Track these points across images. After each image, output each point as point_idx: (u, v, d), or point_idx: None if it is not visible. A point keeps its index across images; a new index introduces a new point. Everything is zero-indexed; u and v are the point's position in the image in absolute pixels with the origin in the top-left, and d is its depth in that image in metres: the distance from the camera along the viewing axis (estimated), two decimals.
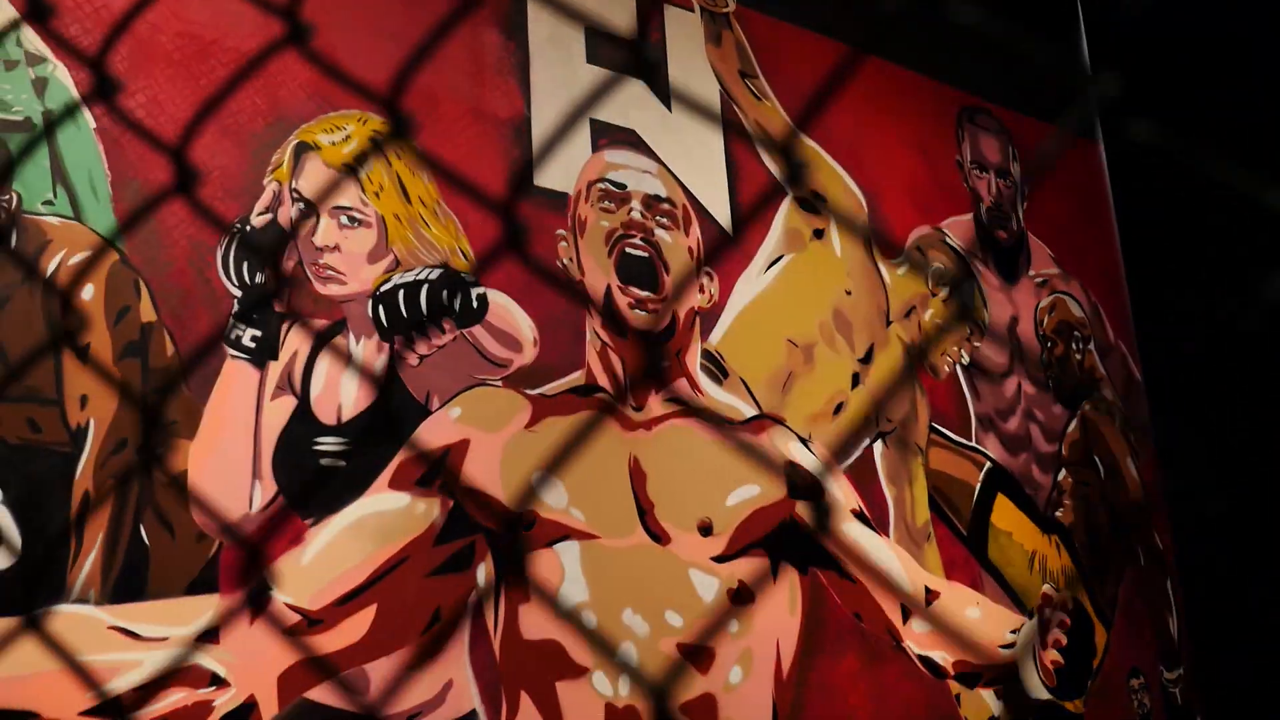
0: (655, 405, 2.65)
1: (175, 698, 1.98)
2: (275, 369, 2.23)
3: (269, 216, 2.28)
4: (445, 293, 2.37)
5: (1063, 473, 3.38)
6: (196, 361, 2.15)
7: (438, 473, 2.34)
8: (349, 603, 2.18)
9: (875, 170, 3.26)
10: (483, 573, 2.33)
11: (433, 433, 2.36)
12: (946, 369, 3.22)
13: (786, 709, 2.63)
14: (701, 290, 2.81)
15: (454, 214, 2.48)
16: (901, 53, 3.43)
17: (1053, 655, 2.92)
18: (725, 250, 2.90)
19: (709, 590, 2.58)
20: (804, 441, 2.85)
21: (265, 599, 2.09)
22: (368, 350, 2.34)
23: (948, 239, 3.35)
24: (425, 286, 2.35)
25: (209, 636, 2.04)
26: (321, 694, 2.11)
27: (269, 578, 2.11)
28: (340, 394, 2.28)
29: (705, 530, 2.61)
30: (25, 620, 1.88)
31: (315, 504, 2.20)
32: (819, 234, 3.07)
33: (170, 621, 2.02)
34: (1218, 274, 3.39)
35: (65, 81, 2.14)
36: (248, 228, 2.25)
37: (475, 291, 2.41)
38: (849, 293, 3.07)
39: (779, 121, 3.11)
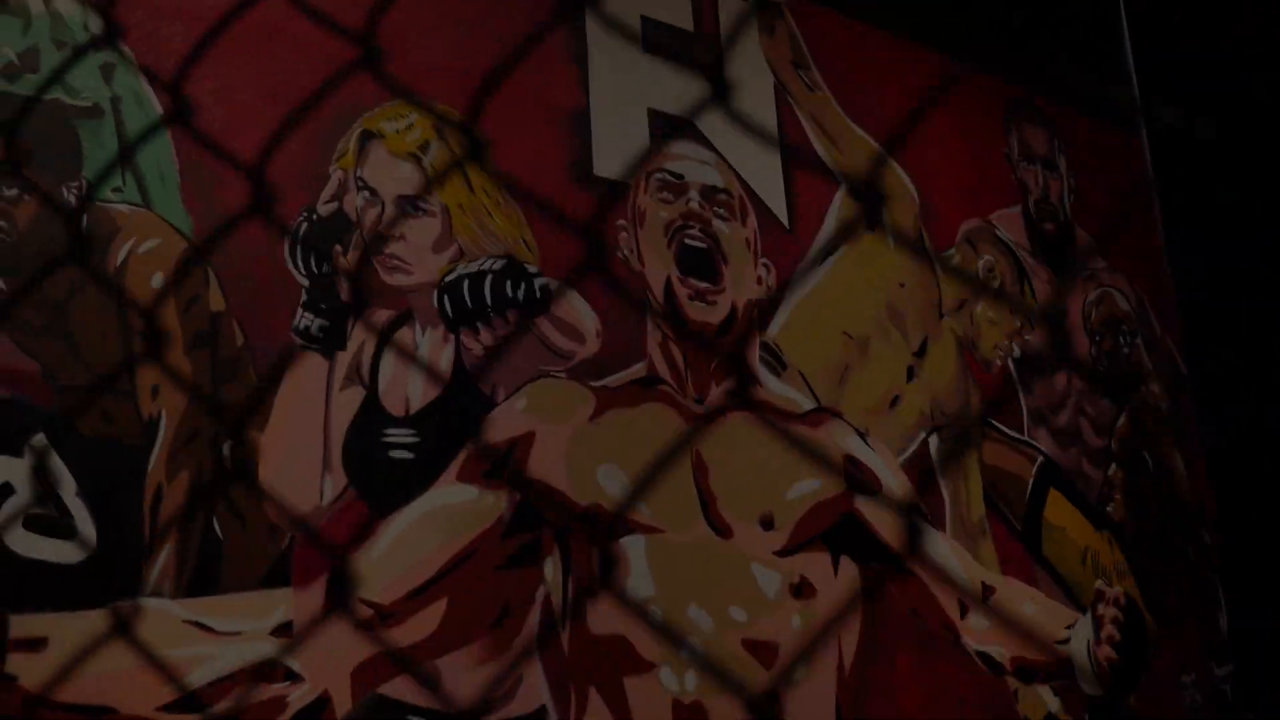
0: (716, 397, 2.62)
1: (251, 693, 1.95)
2: (344, 359, 2.19)
3: (335, 205, 2.25)
4: (509, 283, 2.34)
5: (1113, 468, 3.35)
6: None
7: (505, 465, 2.31)
8: (420, 596, 2.15)
9: (926, 162, 3.23)
10: (550, 566, 2.30)
11: (500, 424, 2.33)
12: (998, 362, 3.19)
13: (848, 705, 2.60)
14: (759, 281, 2.78)
15: (516, 204, 2.46)
16: (949, 43, 3.40)
17: (1107, 651, 2.90)
18: (781, 242, 2.87)
19: (771, 585, 2.55)
20: (862, 436, 2.82)
21: (345, 595, 2.06)
22: (434, 341, 2.30)
23: (998, 231, 3.32)
24: (489, 277, 2.32)
25: (283, 631, 2.01)
26: (394, 689, 2.08)
27: (344, 572, 2.08)
28: (408, 385, 2.25)
29: (767, 524, 2.58)
30: (102, 615, 1.85)
31: (385, 496, 2.17)
32: (872, 225, 3.05)
33: (244, 616, 1.99)
34: (1264, 267, 3.37)
35: (133, 67, 2.11)
36: (314, 217, 2.22)
37: (539, 282, 2.38)
38: (902, 285, 3.04)
39: (832, 113, 3.08)
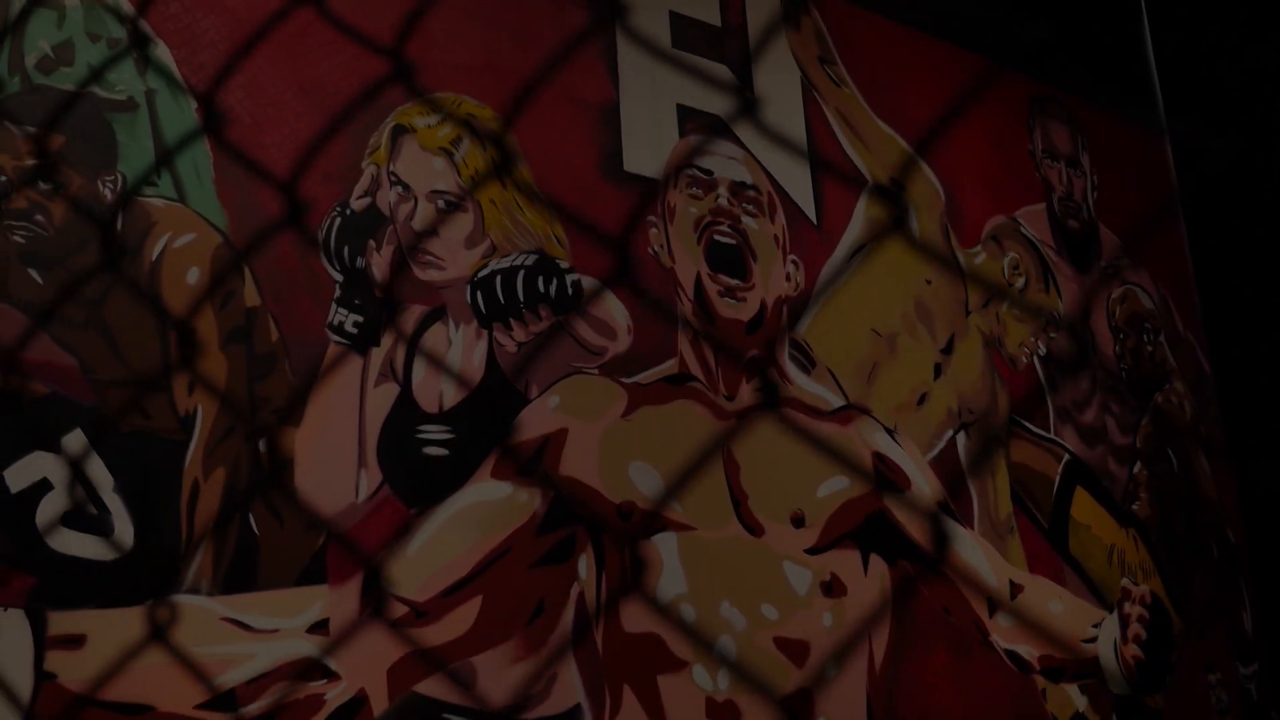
0: (746, 395, 2.61)
1: (288, 691, 1.94)
2: (378, 355, 2.18)
3: (368, 200, 2.23)
4: (541, 279, 2.33)
5: (1138, 466, 3.34)
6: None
7: (538, 462, 2.29)
8: (455, 594, 2.13)
9: (951, 159, 3.21)
10: (584, 564, 2.29)
11: (532, 421, 2.32)
12: (1024, 359, 3.17)
13: (880, 703, 2.58)
14: (788, 279, 2.77)
15: (547, 199, 2.44)
16: (973, 40, 3.38)
17: (1133, 650, 2.89)
18: (809, 238, 2.85)
19: (802, 583, 2.53)
20: (890, 433, 2.81)
21: (380, 593, 2.04)
22: (467, 337, 2.29)
23: (1023, 229, 3.31)
24: (521, 273, 2.31)
25: (319, 628, 1.99)
26: (430, 687, 2.06)
27: (379, 571, 2.06)
28: (441, 382, 2.23)
29: (798, 522, 2.56)
30: (140, 613, 1.84)
31: (419, 493, 2.15)
32: (899, 222, 3.03)
33: (281, 613, 1.97)
34: None
35: (167, 60, 2.09)
36: (348, 211, 2.21)
37: (570, 278, 2.37)
38: (929, 281, 3.03)
39: (858, 109, 3.07)
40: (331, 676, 1.98)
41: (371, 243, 2.20)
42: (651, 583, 2.36)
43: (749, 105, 0.98)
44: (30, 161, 1.91)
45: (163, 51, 2.09)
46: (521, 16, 2.53)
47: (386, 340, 2.19)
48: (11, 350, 1.86)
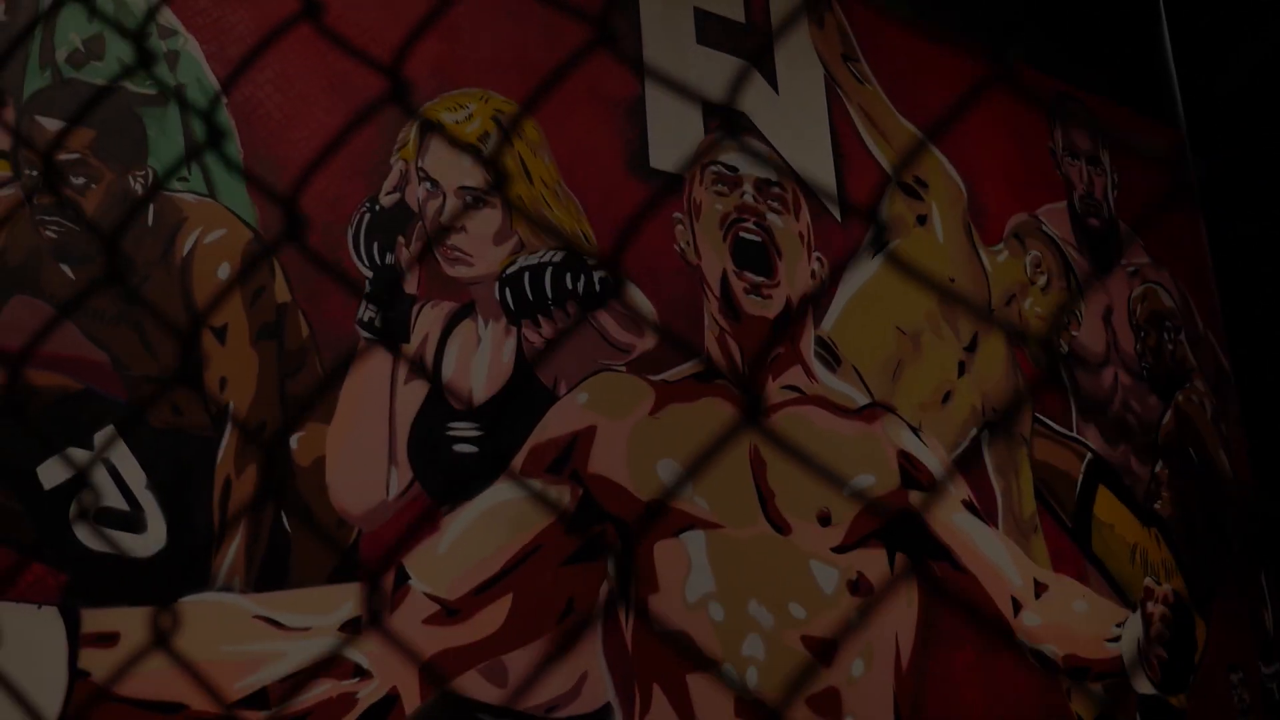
0: (773, 392, 2.59)
1: (320, 689, 1.92)
2: (408, 351, 2.17)
3: (397, 196, 2.22)
4: (569, 275, 2.31)
5: (1159, 464, 3.33)
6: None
7: (567, 459, 2.28)
8: (485, 592, 2.12)
9: (973, 157, 3.20)
10: (613, 562, 2.27)
11: (561, 419, 2.30)
12: (1047, 357, 3.16)
13: (907, 702, 2.57)
14: (813, 276, 2.76)
15: (574, 195, 2.43)
16: (993, 38, 3.37)
17: (1157, 649, 2.87)
18: (834, 235, 2.84)
19: (829, 581, 2.52)
20: (915, 431, 2.80)
21: (405, 589, 2.03)
22: (495, 334, 2.28)
23: (1044, 226, 3.29)
24: (549, 269, 2.30)
25: (351, 627, 1.98)
26: (461, 685, 2.05)
27: (407, 567, 2.05)
28: (471, 378, 2.22)
29: (824, 520, 2.55)
30: (172, 609, 1.82)
31: (449, 490, 2.14)
32: (922, 220, 3.02)
33: (313, 611, 1.96)
34: None
35: (196, 55, 2.08)
36: (376, 207, 2.20)
37: (598, 275, 2.35)
38: (952, 280, 3.02)
39: (882, 106, 3.06)
40: (364, 674, 1.97)
41: (401, 239, 2.19)
42: (679, 580, 2.35)
43: (733, 127, 0.98)
44: (61, 156, 1.90)
45: (192, 47, 2.08)
46: (550, 12, 2.52)
47: (416, 336, 2.18)
48: (39, 346, 1.85)
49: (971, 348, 3.00)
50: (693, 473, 2.29)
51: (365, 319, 2.13)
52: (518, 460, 2.22)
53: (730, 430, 0.93)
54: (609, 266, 2.40)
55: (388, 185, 2.22)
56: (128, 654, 1.78)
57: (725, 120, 2.74)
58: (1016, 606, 2.83)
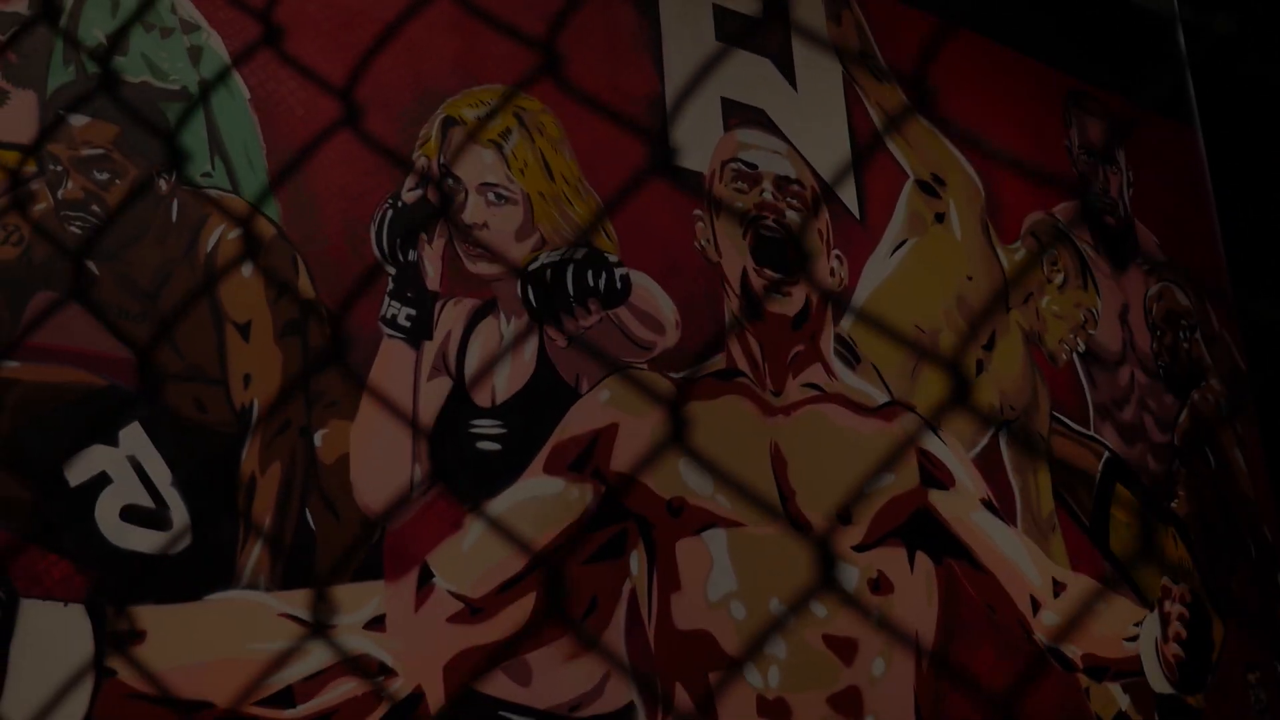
0: (793, 390, 2.58)
1: (345, 687, 1.91)
2: (430, 349, 2.16)
3: (419, 192, 2.21)
4: (590, 273, 2.31)
5: (1176, 463, 3.32)
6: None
7: (589, 457, 2.27)
8: (509, 590, 2.11)
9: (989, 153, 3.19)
10: (635, 560, 2.26)
11: (583, 417, 2.29)
12: (1064, 356, 3.15)
13: (928, 701, 2.56)
14: (832, 274, 2.75)
15: (595, 192, 2.42)
16: (1010, 35, 3.36)
17: (1174, 649, 2.86)
18: (853, 233, 2.83)
19: (849, 580, 2.51)
20: (934, 430, 2.79)
21: (429, 587, 2.02)
22: (518, 330, 2.27)
23: (1060, 224, 3.28)
24: (571, 266, 2.29)
25: (376, 624, 1.97)
26: (486, 684, 2.04)
27: (432, 565, 2.04)
28: (494, 375, 2.21)
29: (845, 518, 2.54)
30: (197, 607, 1.82)
31: (472, 488, 2.13)
32: (940, 218, 3.01)
33: (338, 608, 1.95)
34: None
35: (219, 50, 2.07)
36: (399, 203, 2.19)
37: (619, 272, 2.35)
38: (970, 278, 3.01)
39: (899, 103, 3.05)
40: (388, 673, 1.96)
41: (424, 235, 2.18)
42: (701, 579, 2.34)
43: (667, 156, 1.01)
44: (85, 151, 1.89)
45: (215, 41, 2.07)
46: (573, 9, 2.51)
47: (439, 333, 2.17)
48: (62, 342, 1.84)
49: (989, 346, 2.99)
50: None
51: (389, 316, 2.12)
52: (540, 458, 2.21)
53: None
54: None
55: (410, 181, 2.21)
56: (155, 652, 1.78)
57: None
58: (1035, 605, 2.82)
